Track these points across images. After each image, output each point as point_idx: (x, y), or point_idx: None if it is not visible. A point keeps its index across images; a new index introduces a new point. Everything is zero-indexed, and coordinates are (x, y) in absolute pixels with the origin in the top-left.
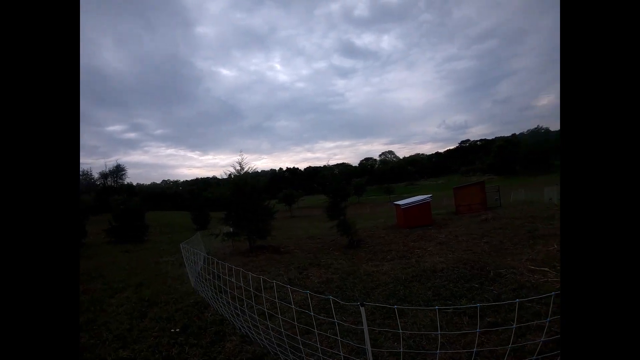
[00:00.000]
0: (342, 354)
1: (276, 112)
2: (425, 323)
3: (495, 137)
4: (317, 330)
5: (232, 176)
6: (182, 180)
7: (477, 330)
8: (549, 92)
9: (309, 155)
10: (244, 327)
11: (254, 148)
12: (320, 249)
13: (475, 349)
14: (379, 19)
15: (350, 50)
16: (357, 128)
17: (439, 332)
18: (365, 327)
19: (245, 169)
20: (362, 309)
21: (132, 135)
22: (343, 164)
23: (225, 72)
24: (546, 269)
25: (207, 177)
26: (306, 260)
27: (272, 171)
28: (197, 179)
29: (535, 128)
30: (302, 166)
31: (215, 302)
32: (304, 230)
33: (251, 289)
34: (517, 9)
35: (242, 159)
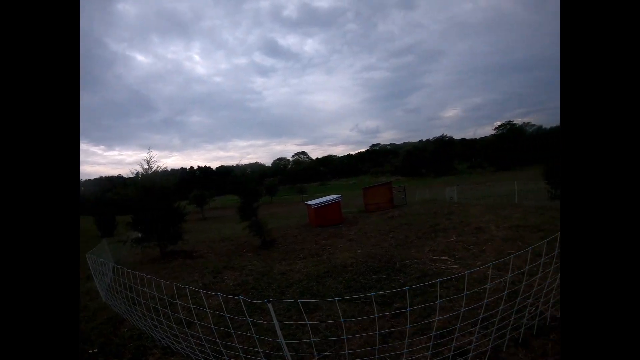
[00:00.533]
0: (260, 350)
1: (190, 106)
2: (340, 314)
3: (404, 143)
4: (236, 331)
5: (140, 175)
6: (84, 179)
7: (376, 315)
8: (454, 105)
9: (222, 153)
10: (164, 339)
11: (164, 144)
12: (234, 251)
13: (377, 332)
14: (307, 22)
15: (273, 49)
16: (271, 127)
17: (342, 319)
18: (275, 322)
19: (154, 168)
20: (269, 306)
21: None
22: (256, 163)
23: (140, 57)
24: (446, 257)
25: (112, 176)
26: (220, 264)
27: (183, 170)
28: (100, 178)
29: (440, 136)
30: (214, 165)
31: (130, 315)
32: (217, 231)
33: (165, 298)
34: (436, 32)
35: (151, 156)
